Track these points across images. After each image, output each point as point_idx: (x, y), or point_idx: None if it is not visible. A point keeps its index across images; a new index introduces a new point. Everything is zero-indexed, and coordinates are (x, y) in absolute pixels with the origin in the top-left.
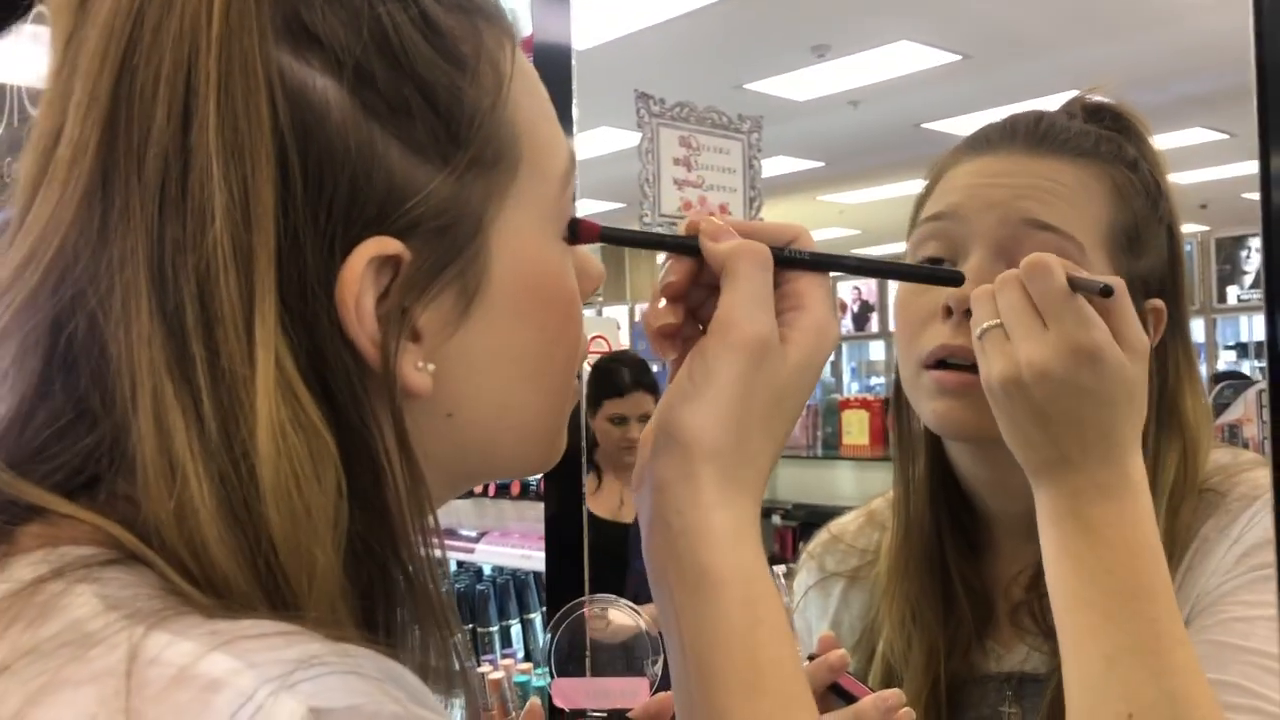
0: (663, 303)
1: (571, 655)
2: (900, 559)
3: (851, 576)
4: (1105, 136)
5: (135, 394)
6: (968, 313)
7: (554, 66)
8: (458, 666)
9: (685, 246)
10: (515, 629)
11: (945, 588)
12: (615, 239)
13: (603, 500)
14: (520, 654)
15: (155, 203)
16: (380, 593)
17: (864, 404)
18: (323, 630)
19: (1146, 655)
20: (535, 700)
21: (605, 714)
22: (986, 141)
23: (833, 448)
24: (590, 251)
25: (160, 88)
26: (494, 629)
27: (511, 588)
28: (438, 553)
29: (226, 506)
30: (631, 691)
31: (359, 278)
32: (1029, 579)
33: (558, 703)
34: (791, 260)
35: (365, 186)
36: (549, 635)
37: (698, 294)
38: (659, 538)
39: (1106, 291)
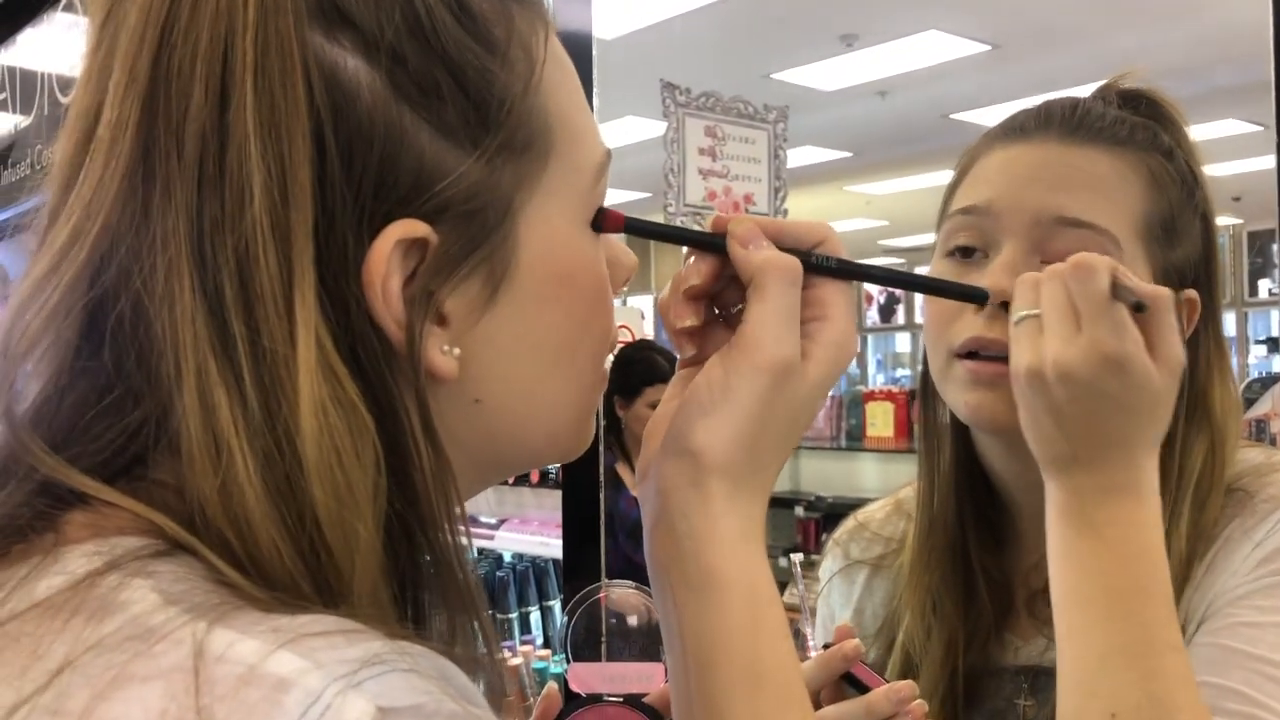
0: (683, 301)
1: (588, 640)
2: (923, 550)
3: (876, 564)
4: (1141, 124)
5: (179, 371)
6: (1003, 305)
7: (575, 56)
8: (484, 650)
9: (711, 245)
10: (534, 615)
11: (967, 579)
12: (639, 230)
13: None
14: (539, 640)
15: (194, 181)
16: (410, 573)
17: (889, 396)
18: (380, 628)
19: (1136, 658)
20: (552, 685)
21: (621, 698)
22: (1021, 129)
23: (857, 439)
24: (622, 242)
25: (198, 66)
26: (513, 615)
27: (531, 574)
28: (464, 539)
29: (271, 483)
30: (647, 676)
31: (385, 259)
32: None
33: (574, 687)
34: (819, 268)
35: (395, 168)
36: (565, 620)
37: (717, 284)
38: (663, 537)
39: (1139, 307)
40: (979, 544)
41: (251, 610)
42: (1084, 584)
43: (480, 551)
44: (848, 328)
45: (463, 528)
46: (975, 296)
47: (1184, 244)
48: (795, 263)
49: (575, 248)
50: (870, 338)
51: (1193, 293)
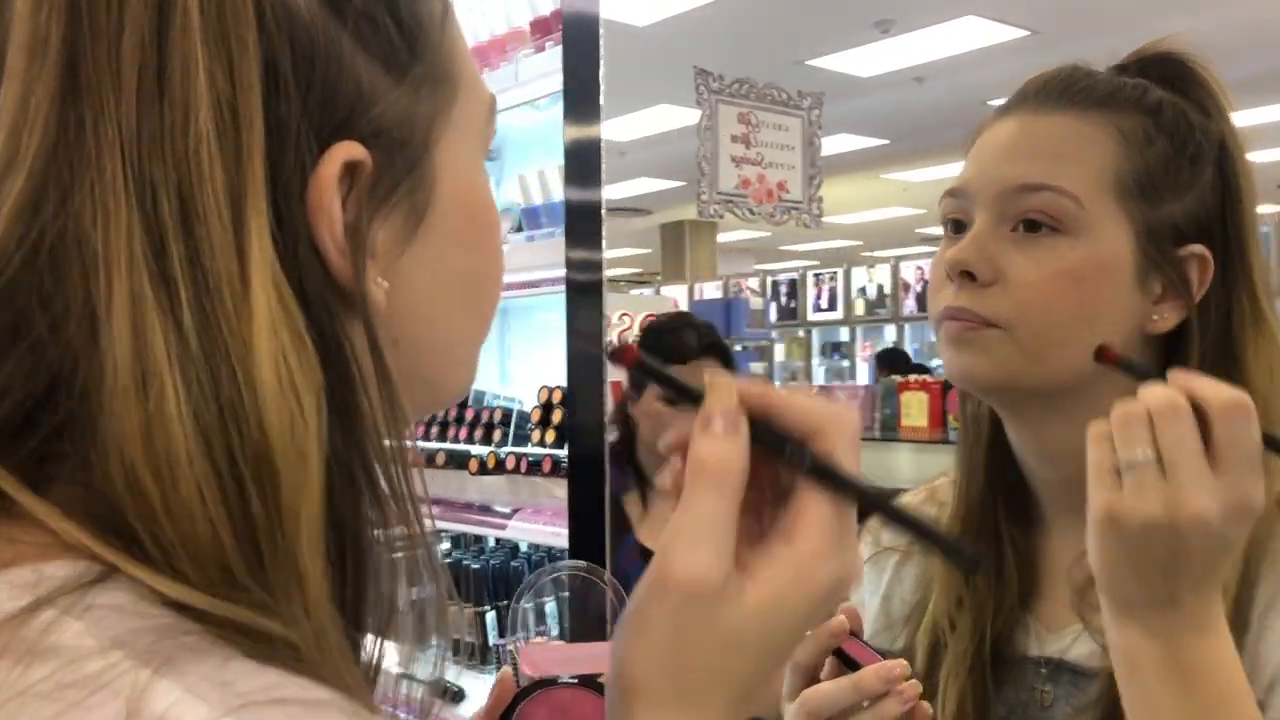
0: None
1: (542, 622)
2: (958, 528)
3: (906, 551)
4: (1129, 84)
5: (110, 295)
6: (966, 275)
7: (582, 41)
8: (429, 564)
9: (694, 401)
10: (549, 605)
11: (998, 555)
12: (647, 371)
13: (654, 528)
14: (554, 631)
15: (133, 95)
16: (349, 531)
17: (924, 386)
18: (338, 684)
19: None
20: (506, 669)
21: (576, 679)
22: (1004, 108)
23: (891, 429)
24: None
25: None
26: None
27: (546, 564)
28: (417, 484)
29: (203, 418)
30: (600, 656)
31: (333, 182)
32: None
33: (526, 670)
34: (790, 463)
35: (335, 89)
36: (514, 604)
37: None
38: None
39: None
40: (1010, 521)
41: (205, 648)
42: None
43: (496, 541)
44: (814, 549)
45: (411, 453)
46: (966, 563)
47: (1179, 199)
48: (735, 467)
49: (479, 185)
50: (908, 327)
51: (1199, 248)
